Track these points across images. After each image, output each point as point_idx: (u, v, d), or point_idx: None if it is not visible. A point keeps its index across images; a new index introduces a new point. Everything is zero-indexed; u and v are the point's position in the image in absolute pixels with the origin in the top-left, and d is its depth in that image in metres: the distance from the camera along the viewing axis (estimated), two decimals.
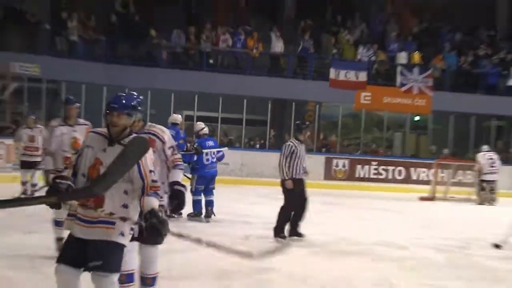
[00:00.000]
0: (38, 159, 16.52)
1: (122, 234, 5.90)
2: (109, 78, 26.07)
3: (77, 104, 9.83)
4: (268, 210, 13.44)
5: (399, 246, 13.73)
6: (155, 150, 7.12)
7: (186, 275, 6.85)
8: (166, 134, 7.33)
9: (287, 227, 13.34)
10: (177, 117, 16.44)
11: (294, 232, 13.14)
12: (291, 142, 13.58)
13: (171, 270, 8.88)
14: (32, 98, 27.20)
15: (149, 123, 7.60)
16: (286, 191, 13.28)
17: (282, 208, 13.27)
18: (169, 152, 7.23)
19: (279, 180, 13.77)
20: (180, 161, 7.36)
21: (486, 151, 25.45)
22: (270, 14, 33.31)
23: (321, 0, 34.48)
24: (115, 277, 5.86)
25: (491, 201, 25.00)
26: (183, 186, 7.10)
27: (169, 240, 6.13)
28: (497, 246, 13.59)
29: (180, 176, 7.25)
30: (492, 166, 24.98)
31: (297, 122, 14.92)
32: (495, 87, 34.11)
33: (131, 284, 6.81)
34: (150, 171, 6.00)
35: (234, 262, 10.55)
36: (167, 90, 26.71)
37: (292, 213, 13.51)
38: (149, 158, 6.01)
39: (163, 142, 7.31)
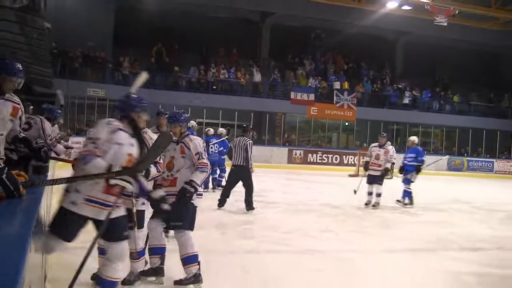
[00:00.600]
0: None
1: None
2: (149, 98, 25.80)
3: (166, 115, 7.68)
4: None
5: (334, 206, 13.93)
6: (185, 155, 6.43)
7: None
8: (193, 142, 6.31)
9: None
10: (192, 123, 15.33)
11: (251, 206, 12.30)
12: (251, 140, 12.56)
13: None
14: (99, 111, 27.08)
15: (186, 134, 6.72)
16: (249, 175, 12.13)
17: (249, 188, 12.25)
18: (195, 157, 6.25)
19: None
20: (203, 165, 6.23)
21: (390, 145, 25.60)
22: (252, 57, 33.21)
23: (284, 48, 34.32)
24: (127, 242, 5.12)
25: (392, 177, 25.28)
26: (193, 186, 6.07)
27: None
28: (372, 206, 14.03)
29: (199, 176, 6.14)
30: (392, 154, 25.28)
31: (244, 125, 13.88)
32: (395, 104, 34.36)
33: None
34: None
35: (229, 217, 11.18)
36: (186, 106, 26.58)
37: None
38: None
39: (189, 149, 6.41)
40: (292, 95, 31.27)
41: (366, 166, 14.81)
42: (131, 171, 4.73)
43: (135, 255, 6.09)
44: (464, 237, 10.46)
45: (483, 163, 33.94)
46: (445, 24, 28.94)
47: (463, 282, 7.15)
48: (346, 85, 33.43)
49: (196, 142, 6.34)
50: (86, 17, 27.91)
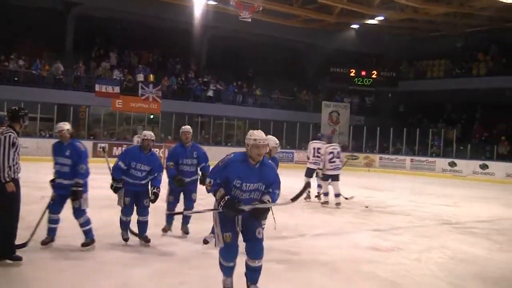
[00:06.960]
0: None
1: None
2: None
3: None
4: None
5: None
6: None
7: None
8: None
9: None
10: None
11: None
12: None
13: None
14: None
15: None
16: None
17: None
18: None
19: None
20: None
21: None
22: (57, 47, 33.86)
23: (90, 40, 35.57)
24: None
25: None
26: None
27: None
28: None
29: None
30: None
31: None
32: (200, 97, 36.96)
33: None
34: None
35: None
36: None
37: None
38: None
39: None
40: (97, 87, 31.50)
41: None
42: None
43: None
44: (271, 227, 11.60)
45: (284, 154, 36.43)
46: (250, 20, 31.98)
47: (268, 269, 7.71)
48: (151, 78, 35.23)
49: None
50: None
